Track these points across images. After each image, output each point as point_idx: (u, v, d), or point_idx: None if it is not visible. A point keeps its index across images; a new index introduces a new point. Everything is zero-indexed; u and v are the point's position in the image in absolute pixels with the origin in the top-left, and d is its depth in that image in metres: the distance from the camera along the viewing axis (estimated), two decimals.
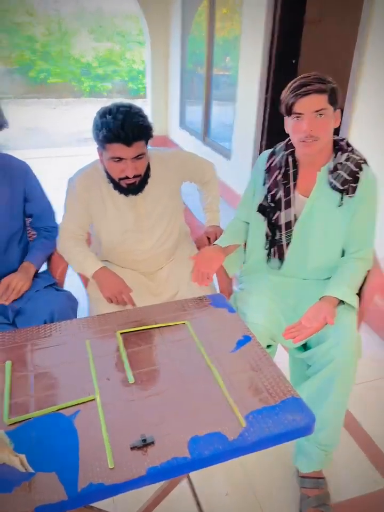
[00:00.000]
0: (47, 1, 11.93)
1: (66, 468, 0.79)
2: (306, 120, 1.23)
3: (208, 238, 1.69)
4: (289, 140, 1.39)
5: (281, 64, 3.10)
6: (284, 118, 1.33)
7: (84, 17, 12.73)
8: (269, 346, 1.37)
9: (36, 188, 1.53)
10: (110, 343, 1.12)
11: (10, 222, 1.45)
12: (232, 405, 0.92)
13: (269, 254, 1.49)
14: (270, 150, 1.47)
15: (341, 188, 1.31)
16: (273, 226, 1.44)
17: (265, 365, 1.05)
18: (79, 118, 9.02)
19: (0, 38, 12.38)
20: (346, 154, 1.32)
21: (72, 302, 1.46)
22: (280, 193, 1.40)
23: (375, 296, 1.49)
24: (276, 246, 1.46)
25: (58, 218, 1.60)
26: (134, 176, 1.36)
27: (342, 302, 1.29)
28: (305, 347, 1.39)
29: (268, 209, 1.44)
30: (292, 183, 1.39)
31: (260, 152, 3.35)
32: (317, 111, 1.22)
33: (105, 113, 1.29)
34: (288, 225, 1.41)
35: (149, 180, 1.46)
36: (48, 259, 1.61)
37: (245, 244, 1.60)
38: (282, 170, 1.40)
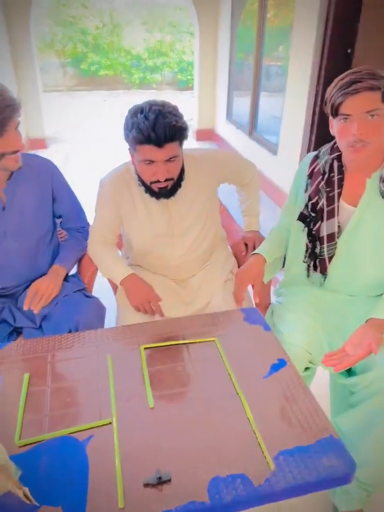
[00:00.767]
0: None
1: (73, 503, 0.73)
2: (356, 123, 1.07)
3: (246, 245, 1.58)
4: (336, 142, 1.24)
5: (335, 53, 2.88)
6: (329, 119, 1.18)
7: (136, 9, 12.81)
8: (307, 368, 1.25)
9: (62, 187, 1.48)
10: (132, 359, 1.05)
11: (39, 223, 1.41)
12: (261, 442, 0.83)
13: (308, 268, 1.36)
14: (314, 153, 1.33)
15: None
16: (314, 238, 1.30)
17: (301, 395, 0.94)
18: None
19: (56, 32, 12.79)
20: None
21: (99, 309, 1.40)
22: (322, 202, 1.26)
23: None
24: (316, 259, 1.32)
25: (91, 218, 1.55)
26: (166, 180, 1.28)
27: None
28: (349, 371, 1.26)
29: (308, 219, 1.30)
30: (336, 191, 1.24)
31: (309, 148, 3.17)
32: (368, 111, 1.06)
33: (136, 112, 1.21)
34: (331, 237, 1.26)
35: (183, 183, 1.37)
36: (79, 261, 1.57)
37: None
38: (326, 177, 1.25)
